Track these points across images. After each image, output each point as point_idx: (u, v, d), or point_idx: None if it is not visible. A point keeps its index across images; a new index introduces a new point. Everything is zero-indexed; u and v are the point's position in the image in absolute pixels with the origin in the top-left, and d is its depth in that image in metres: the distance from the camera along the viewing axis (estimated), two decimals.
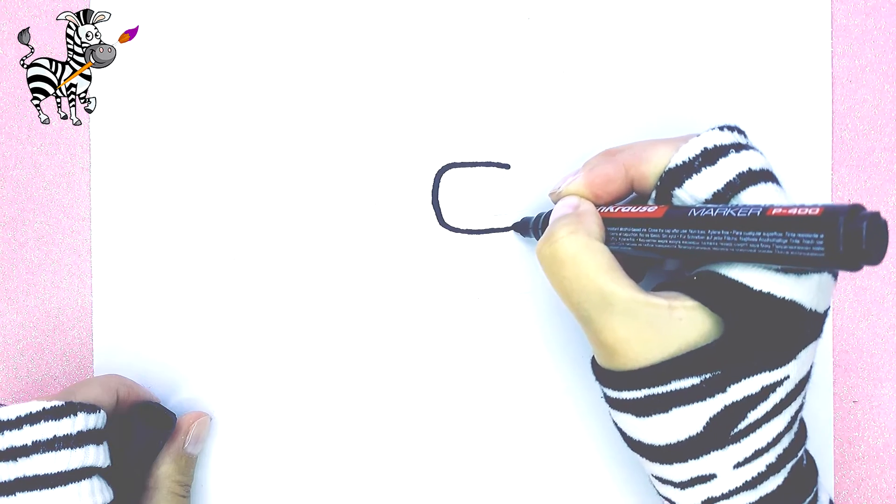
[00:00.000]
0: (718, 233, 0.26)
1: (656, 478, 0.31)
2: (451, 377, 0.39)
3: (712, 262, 0.28)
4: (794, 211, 0.24)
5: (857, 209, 0.23)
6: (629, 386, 0.28)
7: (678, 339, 0.27)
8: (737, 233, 0.25)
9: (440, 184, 0.39)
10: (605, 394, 0.31)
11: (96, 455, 0.31)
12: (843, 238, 0.23)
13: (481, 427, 0.39)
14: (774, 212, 0.25)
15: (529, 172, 0.39)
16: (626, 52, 0.39)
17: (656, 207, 0.29)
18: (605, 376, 0.29)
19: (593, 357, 0.31)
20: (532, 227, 0.36)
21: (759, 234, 0.25)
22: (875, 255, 0.23)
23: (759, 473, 0.28)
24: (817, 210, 0.23)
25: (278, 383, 0.39)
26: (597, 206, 0.31)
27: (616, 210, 0.31)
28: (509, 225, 0.39)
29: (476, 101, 0.39)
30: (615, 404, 0.30)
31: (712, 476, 0.28)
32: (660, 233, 0.28)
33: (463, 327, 0.39)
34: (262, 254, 0.39)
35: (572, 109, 0.39)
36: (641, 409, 0.28)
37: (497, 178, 0.39)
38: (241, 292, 0.39)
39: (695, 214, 0.27)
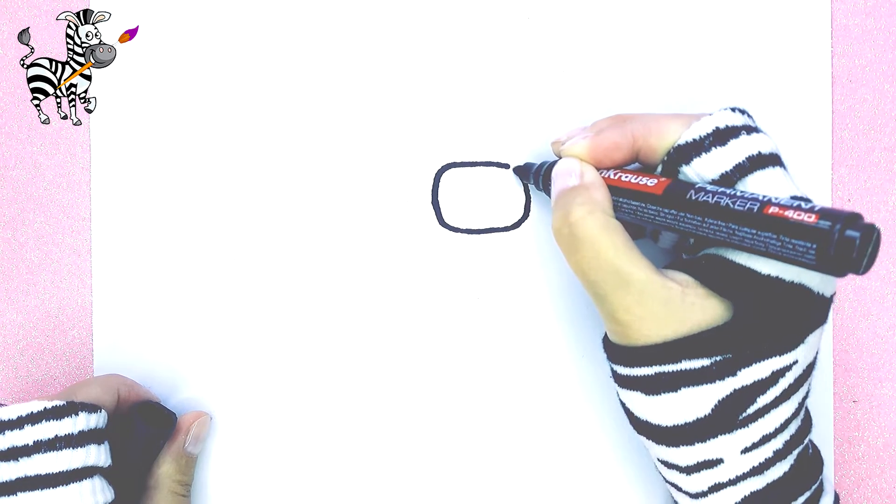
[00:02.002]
0: (714, 222, 0.26)
1: (662, 462, 0.31)
2: (451, 377, 0.39)
3: (713, 245, 0.28)
4: (790, 214, 0.24)
5: (851, 220, 0.23)
6: (640, 362, 0.28)
7: (690, 323, 0.27)
8: (732, 226, 0.26)
9: (440, 184, 0.39)
10: (614, 372, 0.31)
11: (97, 455, 0.31)
12: (834, 252, 0.23)
13: (481, 427, 0.39)
14: (771, 210, 0.25)
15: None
16: (625, 53, 0.39)
17: (656, 181, 0.29)
18: (617, 352, 0.30)
19: (604, 336, 0.31)
20: (534, 175, 0.36)
21: (754, 231, 0.25)
22: (864, 267, 0.23)
23: (766, 459, 0.29)
24: (813, 217, 0.23)
25: (278, 383, 0.39)
26: (598, 169, 0.31)
27: (617, 178, 0.30)
28: (509, 225, 0.39)
29: (476, 101, 0.39)
30: (625, 382, 0.30)
31: (719, 461, 0.28)
32: (657, 210, 0.28)
33: (463, 327, 0.39)
34: (262, 254, 0.39)
35: (572, 109, 0.39)
36: (651, 386, 0.28)
37: (497, 178, 0.39)
38: (242, 292, 0.39)
39: (693, 198, 0.27)
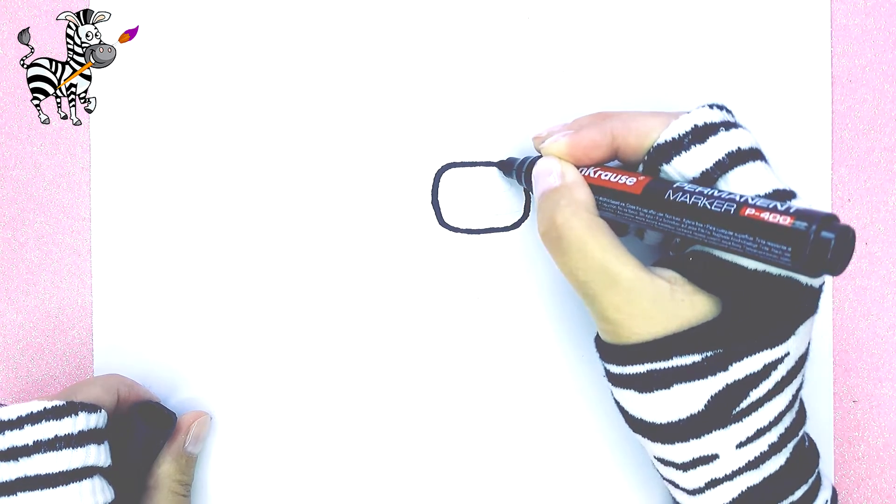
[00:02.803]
0: (692, 223, 0.26)
1: (658, 460, 0.31)
2: (451, 377, 0.39)
3: (699, 242, 0.28)
4: (766, 216, 0.24)
5: (826, 221, 0.23)
6: (632, 360, 0.28)
7: (680, 319, 0.27)
8: (710, 227, 0.26)
9: (440, 184, 0.39)
10: (607, 371, 0.31)
11: (97, 454, 0.31)
12: (809, 254, 0.23)
13: (480, 426, 0.39)
14: (748, 212, 0.25)
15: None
16: (625, 53, 0.39)
17: (636, 180, 0.29)
18: (609, 351, 0.30)
19: (597, 335, 0.31)
20: (516, 170, 0.36)
21: (731, 233, 0.25)
22: (839, 267, 0.23)
23: (761, 453, 0.29)
24: (788, 219, 0.24)
25: (278, 383, 0.39)
26: (578, 167, 0.31)
27: (597, 176, 0.30)
28: (509, 225, 0.39)
29: (476, 101, 0.39)
30: (618, 381, 0.30)
31: (715, 456, 0.29)
32: (637, 210, 0.28)
33: (463, 327, 0.39)
34: (262, 254, 0.39)
35: (572, 109, 0.39)
36: (643, 384, 0.28)
37: (497, 178, 0.39)
38: (242, 292, 0.39)
39: (671, 198, 0.27)
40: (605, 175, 0.30)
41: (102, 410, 0.32)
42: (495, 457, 0.39)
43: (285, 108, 0.39)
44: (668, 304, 0.27)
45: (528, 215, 0.39)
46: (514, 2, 0.39)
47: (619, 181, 0.29)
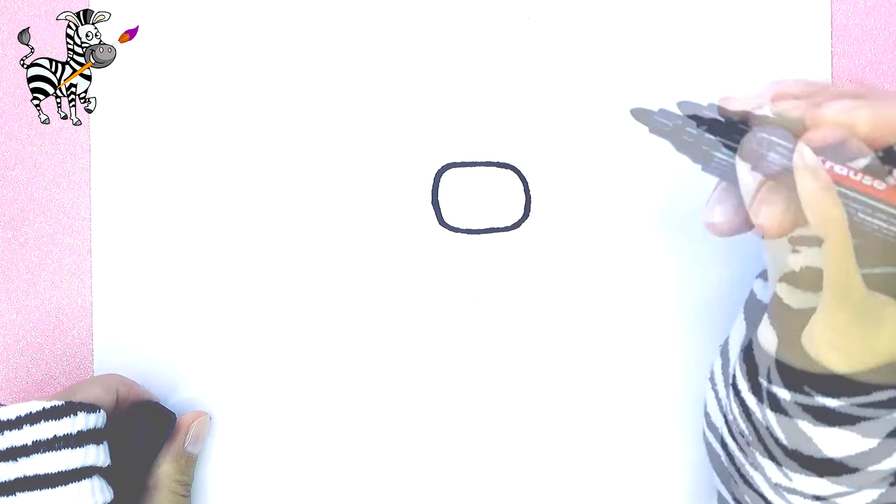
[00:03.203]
0: None
1: (783, 487, 0.27)
2: (451, 377, 0.39)
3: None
4: None
5: None
6: (833, 392, 0.25)
7: (892, 350, 0.24)
8: None
9: (440, 184, 0.39)
10: (773, 395, 0.26)
11: (96, 455, 0.31)
12: None
13: (481, 427, 0.39)
14: None
15: (529, 172, 0.39)
16: (626, 53, 0.39)
17: (885, 185, 0.23)
18: (797, 377, 0.25)
19: (778, 357, 0.26)
20: (726, 124, 0.26)
21: None
22: None
23: (889, 473, 0.26)
24: None
25: (278, 383, 0.39)
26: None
27: (828, 168, 0.24)
28: (509, 225, 0.39)
29: (476, 101, 0.39)
30: (792, 409, 0.26)
31: (859, 489, 0.26)
32: (889, 219, 0.23)
33: (463, 327, 0.39)
34: (262, 254, 0.39)
35: (572, 109, 0.39)
36: (828, 417, 0.25)
37: (497, 178, 0.39)
38: (242, 292, 0.39)
39: None
40: (841, 169, 0.24)
41: (101, 410, 0.32)
42: (495, 457, 0.39)
43: (285, 109, 0.39)
44: (890, 329, 0.24)
45: (528, 215, 0.39)
46: (514, 2, 0.39)
47: (865, 182, 0.24)
